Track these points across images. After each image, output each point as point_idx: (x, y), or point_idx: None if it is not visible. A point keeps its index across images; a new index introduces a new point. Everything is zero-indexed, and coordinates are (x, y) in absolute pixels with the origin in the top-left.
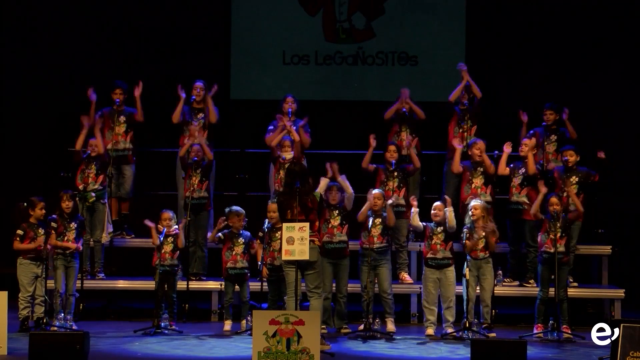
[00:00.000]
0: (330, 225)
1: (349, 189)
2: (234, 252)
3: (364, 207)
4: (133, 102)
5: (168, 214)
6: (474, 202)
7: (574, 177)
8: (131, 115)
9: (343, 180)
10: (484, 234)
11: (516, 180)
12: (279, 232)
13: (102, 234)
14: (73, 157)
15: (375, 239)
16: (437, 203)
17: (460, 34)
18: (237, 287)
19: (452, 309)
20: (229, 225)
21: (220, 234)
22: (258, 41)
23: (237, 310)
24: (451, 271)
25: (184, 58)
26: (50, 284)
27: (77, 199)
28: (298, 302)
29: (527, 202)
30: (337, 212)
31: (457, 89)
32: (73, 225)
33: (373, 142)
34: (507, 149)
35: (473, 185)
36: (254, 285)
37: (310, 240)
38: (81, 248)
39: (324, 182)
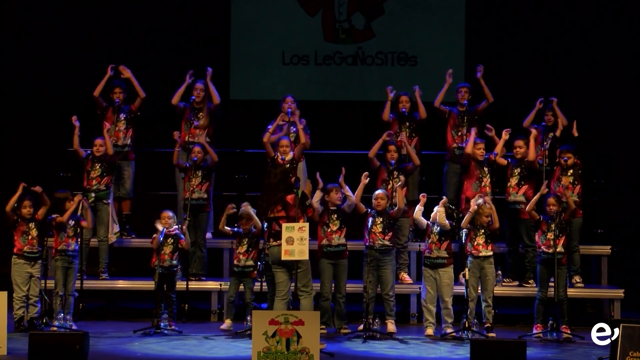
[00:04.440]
0: (329, 230)
1: (352, 198)
2: (237, 251)
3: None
4: (131, 97)
5: (168, 213)
6: (481, 201)
7: (570, 176)
8: (130, 111)
9: (347, 189)
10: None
11: (513, 180)
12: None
13: (106, 234)
14: (76, 158)
15: (377, 235)
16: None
17: (460, 34)
18: (241, 287)
19: (449, 310)
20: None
21: (228, 228)
22: (258, 41)
23: (239, 311)
24: (446, 272)
25: (184, 58)
26: (50, 284)
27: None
28: (288, 302)
29: (525, 201)
30: (335, 216)
31: (440, 93)
32: (71, 222)
33: (386, 137)
34: (505, 135)
35: (483, 184)
36: (254, 286)
37: None
38: (90, 227)
39: (318, 194)
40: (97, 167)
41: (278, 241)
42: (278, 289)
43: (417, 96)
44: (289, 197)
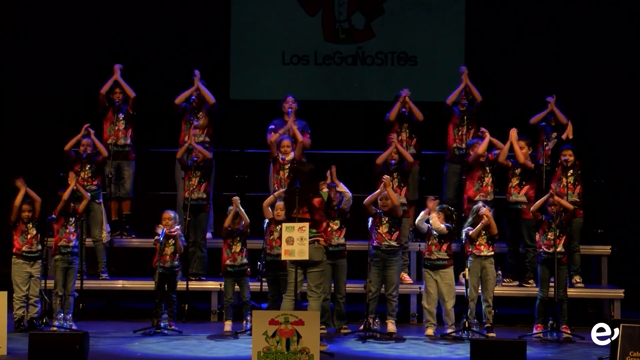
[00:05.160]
0: (329, 229)
1: (348, 193)
2: (232, 251)
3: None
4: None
5: (169, 213)
6: (480, 204)
7: (570, 177)
8: (127, 111)
9: (342, 186)
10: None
11: (514, 181)
12: (280, 225)
13: (101, 234)
14: (67, 158)
15: (384, 236)
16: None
17: (460, 34)
18: (237, 287)
19: (451, 313)
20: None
21: (228, 227)
22: (258, 41)
23: (237, 311)
24: (447, 273)
25: (184, 58)
26: (50, 284)
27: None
28: (296, 302)
29: (526, 201)
30: (335, 215)
31: (454, 92)
32: (72, 220)
33: (393, 144)
34: (514, 134)
35: (484, 184)
36: (254, 285)
37: (315, 240)
38: (88, 197)
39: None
40: (87, 168)
41: None
42: (289, 288)
43: (407, 100)
44: (316, 201)
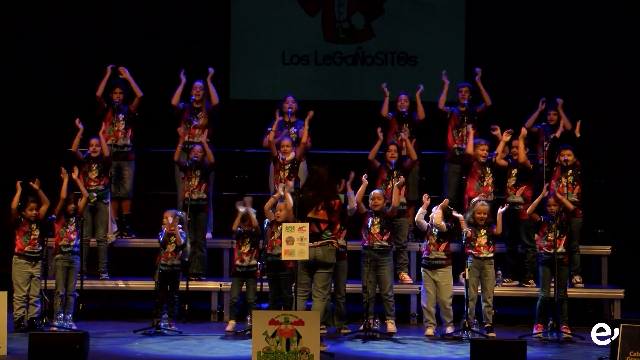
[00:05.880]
0: None
1: (353, 204)
2: (241, 251)
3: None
4: (130, 97)
5: (168, 212)
6: (476, 199)
7: (569, 176)
8: (129, 111)
9: (350, 196)
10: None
11: (511, 181)
12: (280, 226)
13: (106, 234)
14: (74, 159)
15: (375, 236)
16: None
17: (460, 34)
18: (243, 287)
19: (448, 310)
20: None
21: (240, 228)
22: (258, 41)
23: (241, 311)
24: (445, 272)
25: (184, 58)
26: (51, 284)
27: (79, 199)
28: (304, 302)
29: (523, 202)
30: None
31: (442, 95)
32: (73, 220)
33: (381, 136)
34: (506, 137)
35: (485, 184)
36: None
37: (329, 242)
38: (87, 194)
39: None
40: (94, 167)
41: (315, 242)
42: (300, 288)
43: (417, 96)
44: (336, 203)
